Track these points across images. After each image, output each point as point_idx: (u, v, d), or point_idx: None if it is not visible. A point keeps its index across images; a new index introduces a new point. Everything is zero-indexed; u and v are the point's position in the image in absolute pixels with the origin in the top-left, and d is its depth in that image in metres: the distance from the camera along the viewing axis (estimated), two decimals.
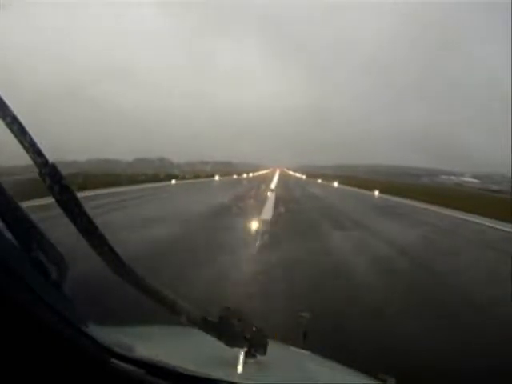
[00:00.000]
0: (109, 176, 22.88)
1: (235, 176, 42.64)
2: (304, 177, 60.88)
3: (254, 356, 0.93)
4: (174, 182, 25.54)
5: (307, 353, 1.45)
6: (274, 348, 1.04)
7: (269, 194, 18.70)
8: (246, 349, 0.93)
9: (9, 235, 0.59)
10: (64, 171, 0.67)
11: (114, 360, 0.67)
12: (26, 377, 0.58)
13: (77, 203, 0.67)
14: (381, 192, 24.53)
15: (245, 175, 47.39)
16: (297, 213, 11.94)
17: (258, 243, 6.86)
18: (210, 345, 0.95)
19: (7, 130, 0.64)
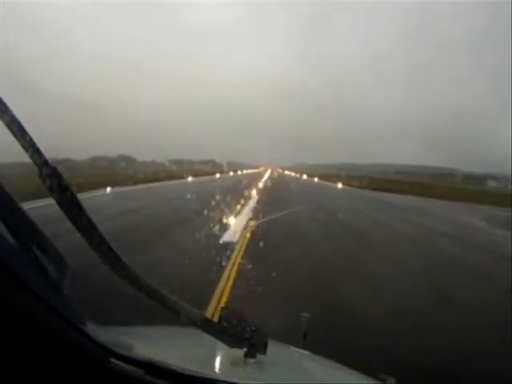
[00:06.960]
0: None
1: (218, 175, 37.65)
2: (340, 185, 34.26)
3: (253, 356, 0.93)
4: None
5: (307, 353, 1.46)
6: (274, 348, 1.04)
7: None
8: (245, 349, 0.93)
9: (9, 235, 0.59)
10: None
11: (113, 360, 0.68)
12: (26, 376, 0.58)
13: (77, 203, 0.67)
14: None
15: (231, 174, 43.54)
16: None
17: None
18: (210, 345, 0.95)
19: (7, 130, 0.64)
